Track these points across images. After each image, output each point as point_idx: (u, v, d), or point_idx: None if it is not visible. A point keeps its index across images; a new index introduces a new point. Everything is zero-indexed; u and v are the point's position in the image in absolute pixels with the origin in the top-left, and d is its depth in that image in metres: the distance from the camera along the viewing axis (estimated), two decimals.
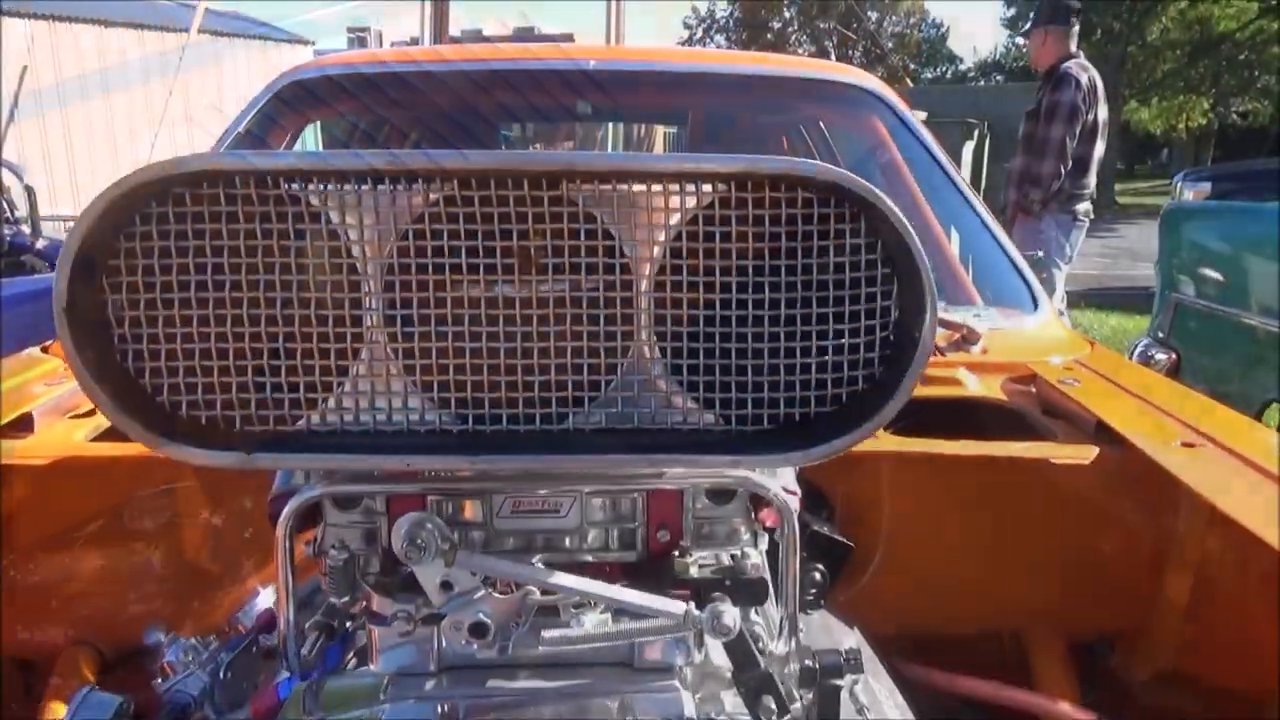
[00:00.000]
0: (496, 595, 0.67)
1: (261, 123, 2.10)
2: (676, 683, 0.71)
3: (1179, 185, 9.49)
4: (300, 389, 0.58)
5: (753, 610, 0.76)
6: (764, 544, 0.77)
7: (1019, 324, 1.78)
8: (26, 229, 5.76)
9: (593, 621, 0.68)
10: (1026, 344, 1.71)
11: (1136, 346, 4.67)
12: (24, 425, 1.32)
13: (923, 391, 1.54)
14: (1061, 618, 1.35)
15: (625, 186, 0.55)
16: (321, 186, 0.55)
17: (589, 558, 0.72)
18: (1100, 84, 4.85)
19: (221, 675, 0.90)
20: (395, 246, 0.56)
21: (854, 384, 0.59)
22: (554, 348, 0.58)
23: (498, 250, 0.56)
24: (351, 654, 0.74)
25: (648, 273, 0.57)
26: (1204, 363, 4.27)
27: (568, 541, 0.73)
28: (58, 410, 1.40)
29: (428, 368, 0.58)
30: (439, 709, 0.66)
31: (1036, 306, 1.84)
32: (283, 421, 0.58)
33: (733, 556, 0.74)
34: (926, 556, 1.35)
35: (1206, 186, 9.34)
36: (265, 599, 1.01)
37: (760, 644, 0.73)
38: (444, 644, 0.68)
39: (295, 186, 0.55)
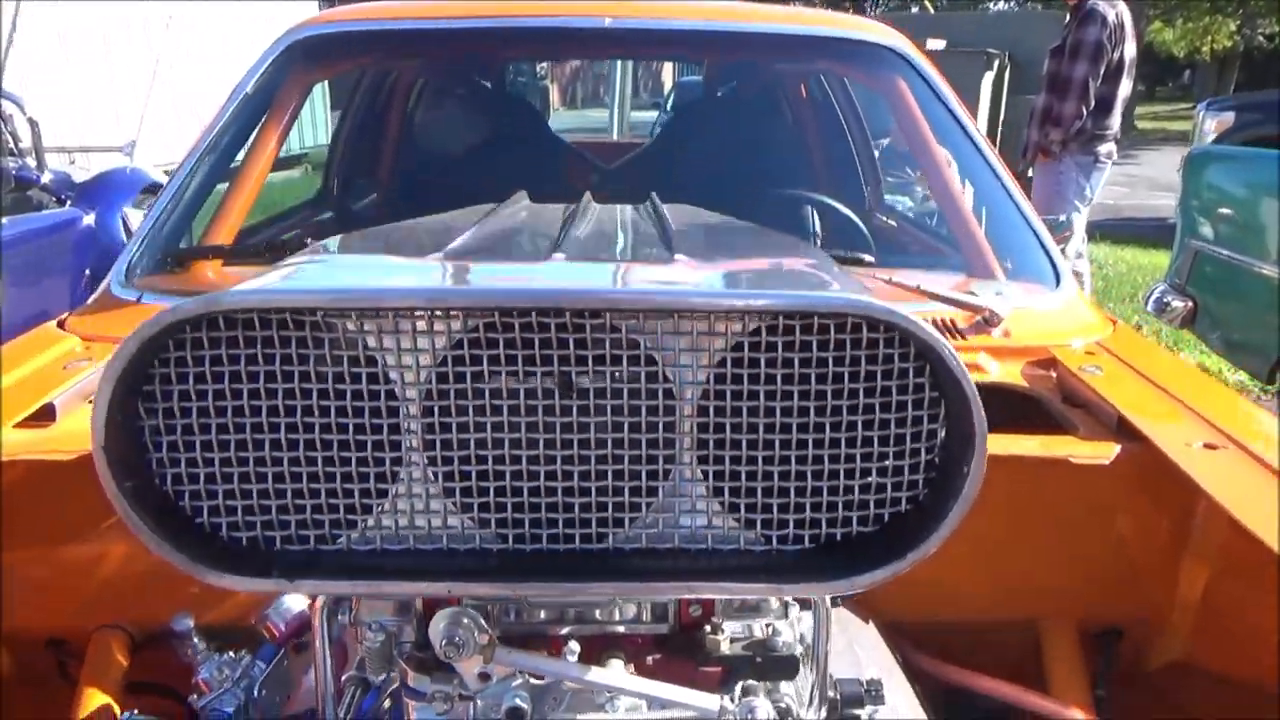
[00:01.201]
0: (533, 681, 0.68)
1: (269, 82, 2.05)
2: None
3: (1201, 114, 9.25)
4: (340, 510, 0.58)
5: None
6: (795, 614, 0.77)
7: (1041, 302, 1.75)
8: (31, 161, 5.70)
9: (626, 705, 0.69)
10: (1049, 324, 1.69)
11: (1153, 293, 4.62)
12: (46, 414, 1.33)
13: None
14: (1074, 607, 1.37)
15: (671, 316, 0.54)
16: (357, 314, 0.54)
17: (621, 629, 0.73)
18: (1129, 21, 4.71)
19: (256, 693, 0.92)
20: (434, 373, 0.56)
21: (897, 505, 0.58)
22: (594, 470, 0.57)
23: (538, 375, 0.55)
24: (386, 698, 0.76)
25: (690, 397, 0.56)
26: (1221, 311, 4.23)
27: (599, 614, 0.73)
28: (79, 396, 1.40)
29: (468, 489, 0.58)
30: None
31: (1059, 283, 1.81)
32: (323, 541, 0.58)
33: (764, 628, 0.74)
34: (941, 547, 1.36)
35: (1230, 116, 9.11)
36: (293, 598, 1.03)
37: (790, 718, 0.74)
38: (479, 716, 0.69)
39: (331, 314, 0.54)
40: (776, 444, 0.56)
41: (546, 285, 0.52)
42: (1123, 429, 1.33)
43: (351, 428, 0.56)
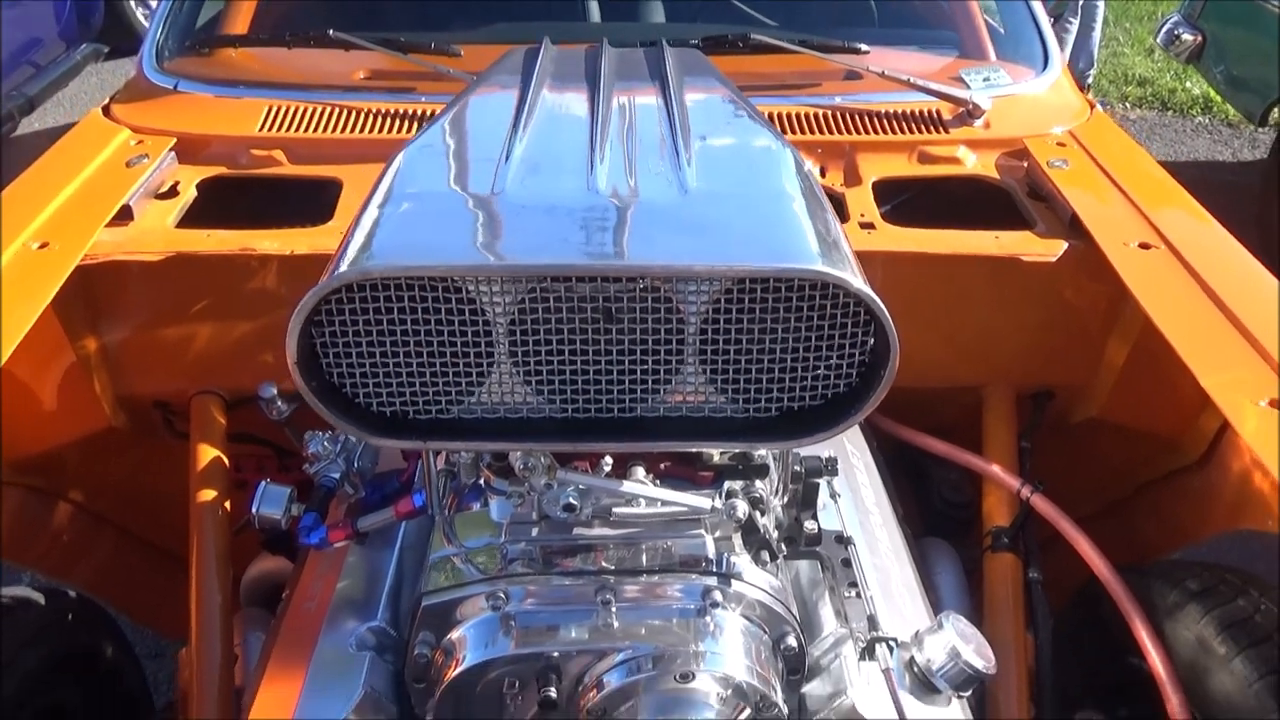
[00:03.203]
0: (582, 487, 0.95)
1: None
2: (702, 530, 1.00)
3: None
4: (452, 391, 0.83)
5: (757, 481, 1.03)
6: None
7: (1027, 88, 1.85)
8: None
9: (645, 501, 0.98)
10: (1029, 112, 1.80)
11: (1165, 24, 4.55)
12: (124, 214, 1.50)
13: (923, 170, 1.68)
14: (1014, 374, 1.61)
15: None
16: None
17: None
18: None
19: (355, 462, 1.18)
20: (516, 305, 0.78)
21: (837, 388, 0.82)
22: (628, 365, 0.81)
23: (589, 307, 0.78)
24: (466, 484, 1.03)
25: (694, 319, 0.79)
26: (1227, 47, 4.21)
27: None
28: (147, 194, 1.57)
29: (540, 379, 0.82)
30: (540, 547, 0.97)
31: (1047, 64, 1.90)
32: (441, 413, 0.84)
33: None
34: (903, 329, 1.60)
35: None
36: None
37: (762, 505, 1.01)
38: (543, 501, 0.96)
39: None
40: (754, 348, 0.80)
41: (596, 262, 0.76)
42: (1074, 225, 1.51)
43: (459, 341, 0.80)
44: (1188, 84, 5.78)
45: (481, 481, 0.99)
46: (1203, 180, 4.58)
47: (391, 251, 0.77)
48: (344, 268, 0.74)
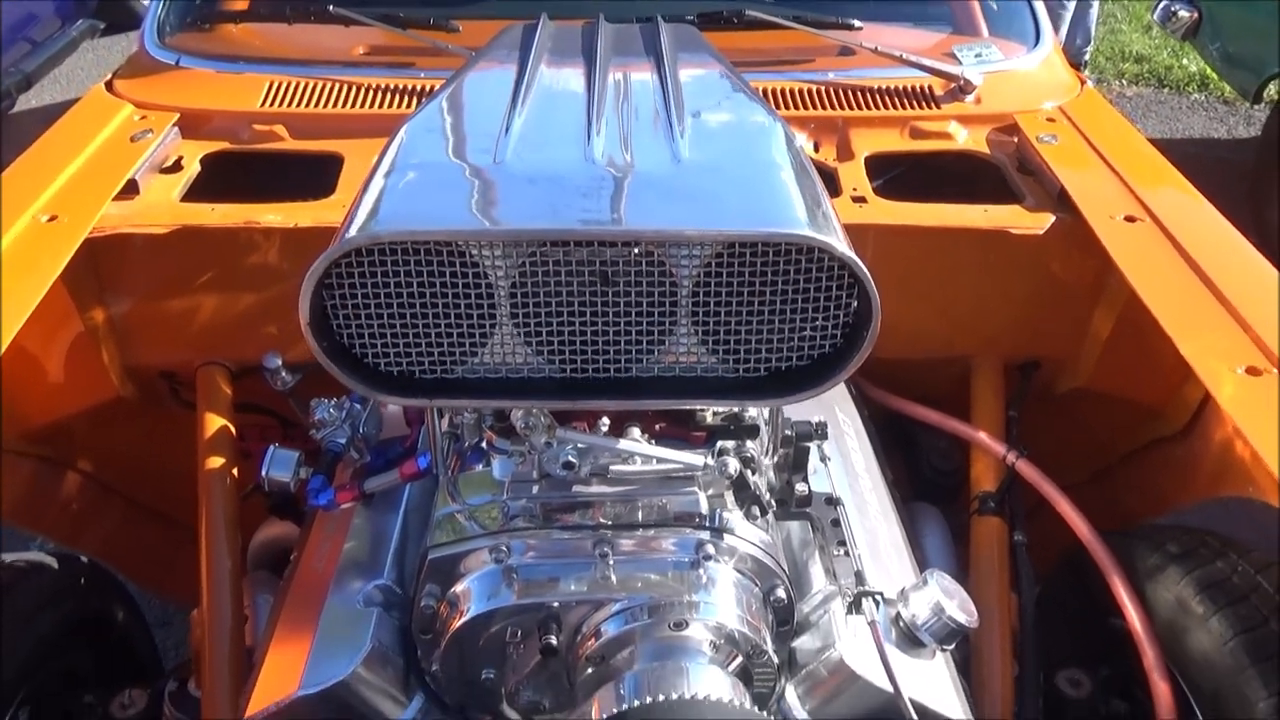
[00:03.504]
0: (580, 446, 0.98)
1: None
2: (696, 487, 1.03)
3: None
4: (456, 352, 0.86)
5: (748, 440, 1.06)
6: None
7: (1018, 64, 1.87)
8: None
9: (640, 460, 1.01)
10: (1021, 87, 1.83)
11: (1162, 1, 4.55)
12: (130, 188, 1.53)
13: (914, 145, 1.71)
14: (1003, 345, 1.65)
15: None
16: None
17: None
18: None
19: (360, 429, 1.22)
20: (517, 269, 0.81)
21: (822, 348, 0.86)
22: (624, 326, 0.84)
23: (586, 271, 0.81)
24: (468, 445, 1.07)
25: (687, 282, 0.83)
26: (1223, 23, 4.21)
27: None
28: (152, 168, 1.59)
29: (540, 340, 0.85)
30: (541, 503, 1.01)
31: (1039, 40, 1.93)
32: (446, 372, 0.87)
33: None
34: (895, 301, 1.63)
35: None
36: None
37: (753, 464, 1.04)
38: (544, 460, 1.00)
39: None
40: (744, 310, 0.83)
41: (593, 228, 0.79)
42: (1062, 199, 1.54)
43: (462, 303, 0.83)
44: (1184, 61, 5.78)
45: (484, 442, 1.03)
46: (1198, 157, 4.61)
47: (398, 217, 0.81)
48: (353, 233, 0.78)
